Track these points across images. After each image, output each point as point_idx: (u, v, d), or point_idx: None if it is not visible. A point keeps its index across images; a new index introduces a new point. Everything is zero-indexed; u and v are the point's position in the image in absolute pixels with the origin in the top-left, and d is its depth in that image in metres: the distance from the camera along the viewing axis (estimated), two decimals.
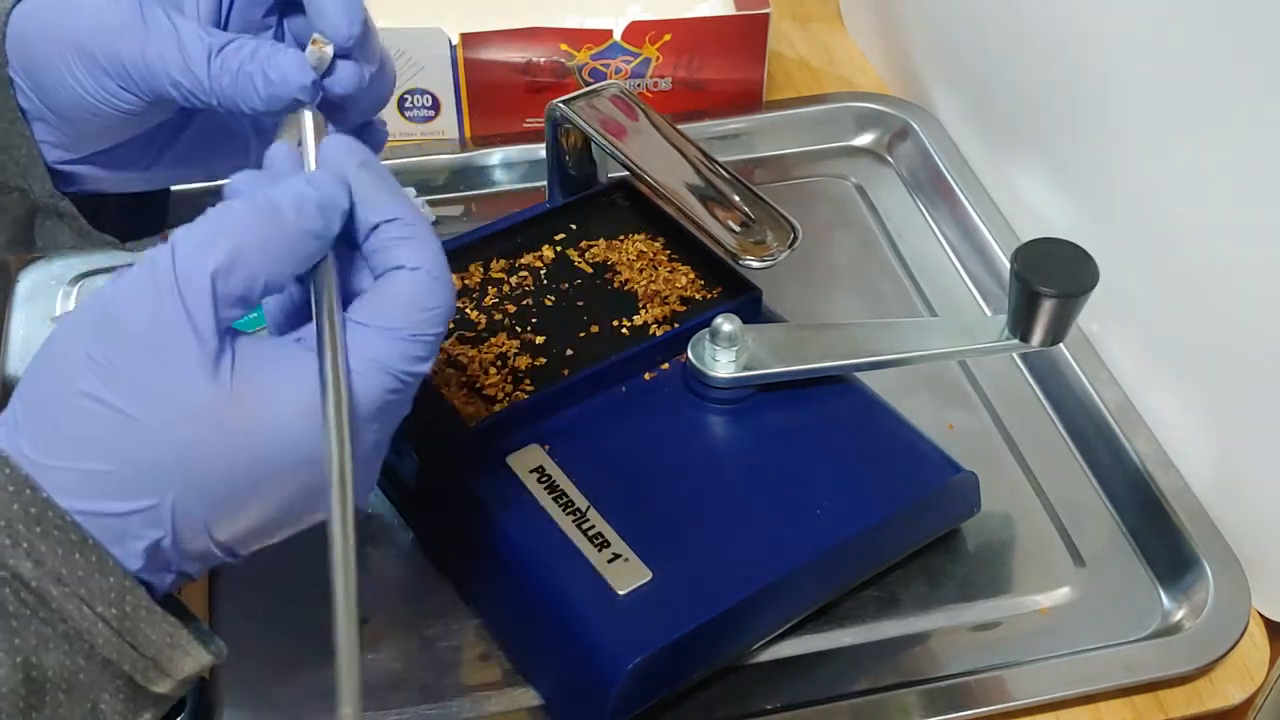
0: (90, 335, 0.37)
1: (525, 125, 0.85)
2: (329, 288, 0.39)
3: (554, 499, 0.55)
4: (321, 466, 0.37)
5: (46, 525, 0.36)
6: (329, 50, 0.44)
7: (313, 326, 0.39)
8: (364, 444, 0.40)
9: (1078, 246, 0.56)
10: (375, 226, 0.40)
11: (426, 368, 0.40)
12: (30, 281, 0.76)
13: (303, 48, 0.45)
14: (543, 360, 0.60)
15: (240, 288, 0.37)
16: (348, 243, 0.41)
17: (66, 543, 0.37)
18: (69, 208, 0.51)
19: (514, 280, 0.65)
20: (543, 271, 0.65)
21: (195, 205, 0.41)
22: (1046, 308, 0.55)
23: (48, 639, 0.37)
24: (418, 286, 0.40)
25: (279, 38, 0.48)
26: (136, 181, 0.52)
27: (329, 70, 0.45)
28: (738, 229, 0.59)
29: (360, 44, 0.45)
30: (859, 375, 0.62)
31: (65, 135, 0.48)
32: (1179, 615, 0.59)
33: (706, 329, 0.60)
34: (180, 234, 0.38)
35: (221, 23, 0.47)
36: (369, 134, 0.49)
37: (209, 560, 0.40)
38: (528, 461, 0.57)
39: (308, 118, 0.44)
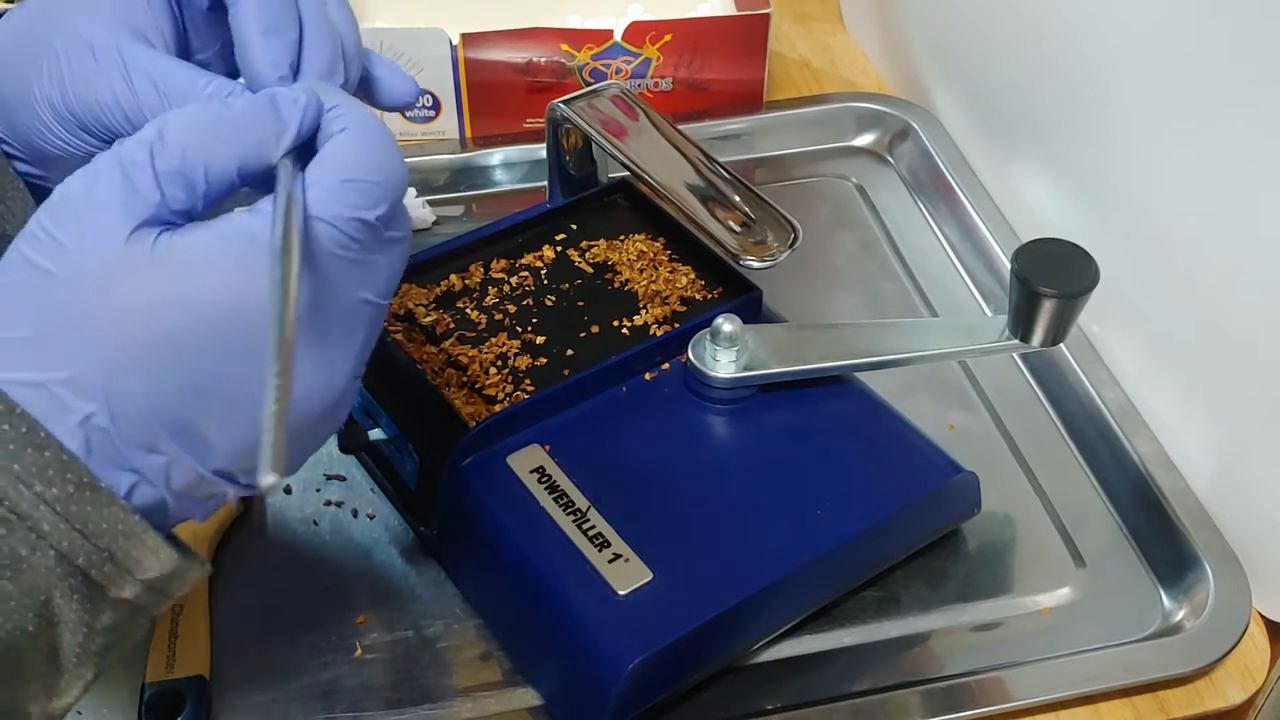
0: (42, 211, 0.37)
1: (526, 125, 0.85)
2: (286, 182, 0.38)
3: (554, 499, 0.55)
4: (265, 341, 0.36)
5: None
6: None
7: (262, 202, 0.38)
8: (329, 307, 0.39)
9: (1078, 246, 0.56)
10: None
11: (373, 216, 0.39)
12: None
13: None
14: (543, 360, 0.60)
15: (176, 163, 0.37)
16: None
17: None
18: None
19: (514, 280, 0.65)
20: (543, 271, 0.65)
21: None
22: (1047, 308, 0.55)
23: None
24: (348, 142, 0.39)
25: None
26: None
27: None
28: (738, 229, 0.59)
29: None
30: (859, 375, 0.62)
31: (47, 170, 0.47)
32: (1179, 616, 0.59)
33: (707, 329, 0.60)
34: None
35: (181, 30, 0.47)
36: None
37: (180, 465, 0.37)
38: (528, 461, 0.57)
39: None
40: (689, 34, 0.83)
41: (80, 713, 0.54)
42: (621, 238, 0.67)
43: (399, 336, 0.61)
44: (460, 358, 0.60)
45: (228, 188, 0.39)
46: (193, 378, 0.37)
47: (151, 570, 0.38)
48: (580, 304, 0.64)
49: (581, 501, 0.55)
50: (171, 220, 0.37)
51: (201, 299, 0.36)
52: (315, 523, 0.62)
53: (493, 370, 0.60)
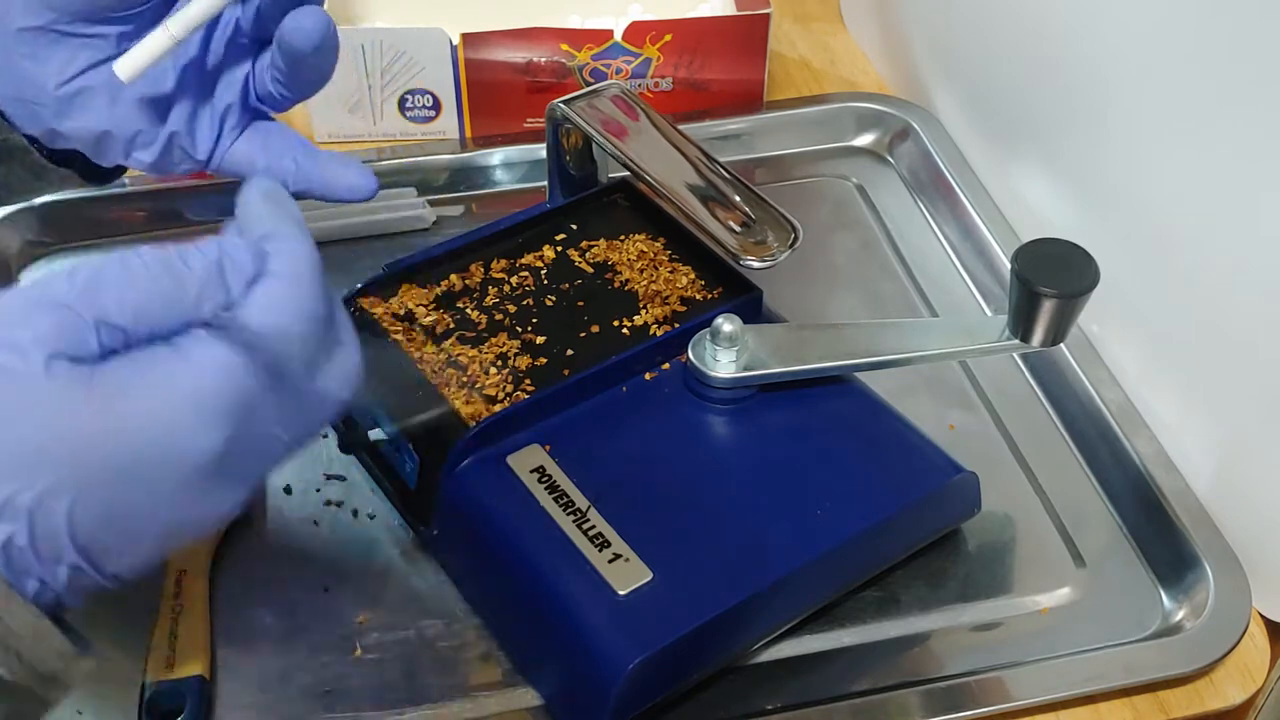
0: None
1: (526, 125, 0.85)
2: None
3: (554, 499, 0.55)
4: (198, 469, 0.38)
5: None
6: None
7: (184, 339, 0.39)
8: (245, 436, 0.40)
9: (1078, 246, 0.56)
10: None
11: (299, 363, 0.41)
12: (32, 279, 0.76)
13: None
14: (543, 360, 0.60)
15: (119, 322, 0.37)
16: None
17: None
18: (19, 140, 0.50)
19: (515, 280, 0.65)
20: (543, 271, 0.65)
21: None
22: (1047, 308, 0.55)
23: None
24: (270, 292, 0.40)
25: None
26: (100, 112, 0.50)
27: None
28: (738, 229, 0.59)
29: None
30: (859, 375, 0.62)
31: None
32: (1179, 616, 0.59)
33: (707, 329, 0.60)
34: (69, 266, 0.38)
35: None
36: None
37: (79, 575, 0.39)
38: (528, 461, 0.57)
39: None
40: (689, 34, 0.83)
41: (81, 713, 0.54)
42: (621, 238, 0.67)
43: (399, 336, 0.61)
44: (460, 358, 0.60)
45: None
46: (111, 505, 0.38)
47: (51, 665, 0.39)
48: (580, 304, 0.64)
49: (581, 501, 0.55)
50: (98, 354, 0.38)
51: (134, 437, 0.37)
52: (315, 523, 0.62)
53: (493, 370, 0.60)
